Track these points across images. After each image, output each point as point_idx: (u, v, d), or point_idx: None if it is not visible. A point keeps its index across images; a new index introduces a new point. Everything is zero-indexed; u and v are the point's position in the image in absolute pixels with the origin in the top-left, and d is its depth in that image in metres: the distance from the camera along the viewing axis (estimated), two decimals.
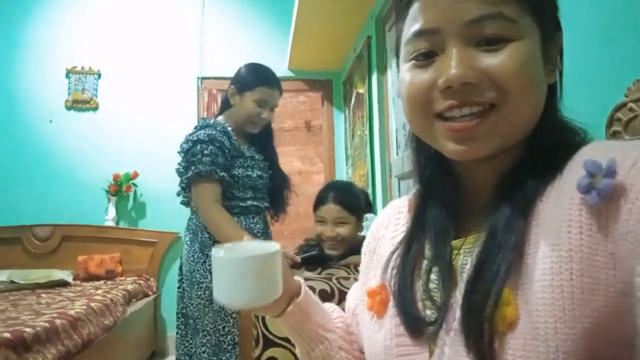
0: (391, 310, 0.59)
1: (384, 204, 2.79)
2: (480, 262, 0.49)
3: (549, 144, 0.52)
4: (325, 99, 4.21)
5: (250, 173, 1.82)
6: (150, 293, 3.53)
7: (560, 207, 0.45)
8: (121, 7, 4.00)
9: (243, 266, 0.56)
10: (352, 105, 3.66)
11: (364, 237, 1.70)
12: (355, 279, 1.24)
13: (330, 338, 0.70)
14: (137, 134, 3.88)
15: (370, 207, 1.69)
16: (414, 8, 0.53)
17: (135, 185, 3.82)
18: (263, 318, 1.15)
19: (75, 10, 3.96)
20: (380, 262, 0.66)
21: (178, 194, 1.88)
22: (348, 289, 1.19)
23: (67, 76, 3.89)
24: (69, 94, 3.87)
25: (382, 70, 2.92)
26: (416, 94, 0.53)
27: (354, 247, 1.66)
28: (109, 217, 3.75)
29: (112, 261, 3.61)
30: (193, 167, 1.71)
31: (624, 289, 0.40)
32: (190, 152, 1.73)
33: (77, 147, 3.84)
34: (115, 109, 3.91)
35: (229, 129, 1.80)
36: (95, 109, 3.91)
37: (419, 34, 0.52)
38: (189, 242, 1.83)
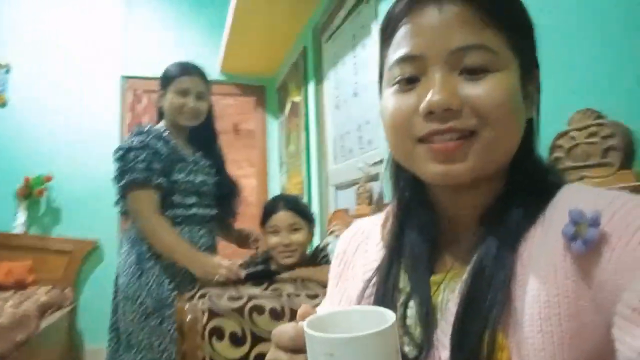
0: None
1: (321, 212, 2.81)
2: (469, 301, 0.49)
3: (529, 180, 0.53)
4: (258, 104, 4.17)
5: (192, 178, 1.75)
6: (66, 304, 3.27)
7: (545, 251, 0.46)
8: None
9: (360, 347, 0.40)
10: (286, 112, 3.67)
11: (314, 251, 1.69)
12: (307, 295, 1.23)
13: None
14: (51, 134, 3.57)
15: (314, 221, 1.69)
16: (400, 34, 0.54)
17: (48, 189, 3.52)
18: (210, 339, 1.10)
19: None
20: (348, 289, 0.64)
21: (115, 204, 1.78)
22: (299, 306, 1.18)
23: None
24: None
25: (319, 81, 2.96)
26: (399, 119, 0.53)
27: (305, 260, 1.65)
28: (19, 222, 3.42)
29: (23, 270, 3.30)
30: (127, 175, 1.63)
31: (608, 331, 0.41)
32: (123, 160, 1.66)
33: None
34: (27, 106, 3.57)
35: (166, 133, 1.74)
36: (3, 105, 3.55)
37: (403, 60, 0.53)
38: (125, 254, 1.73)
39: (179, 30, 3.97)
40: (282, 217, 1.58)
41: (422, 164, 0.53)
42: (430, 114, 0.50)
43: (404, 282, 0.57)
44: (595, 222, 0.43)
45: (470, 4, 0.50)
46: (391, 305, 0.56)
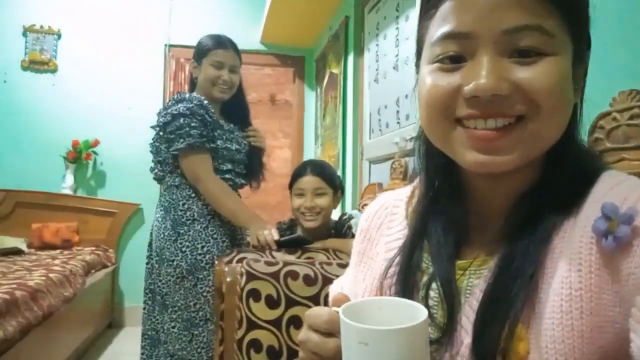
0: None
1: (354, 186, 2.83)
2: (495, 291, 0.48)
3: (568, 168, 0.51)
4: (297, 76, 4.17)
5: (229, 145, 1.82)
6: (108, 264, 3.45)
7: (570, 244, 0.45)
8: None
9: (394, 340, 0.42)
10: (324, 84, 3.65)
11: (338, 221, 1.73)
12: (338, 265, 1.27)
13: None
14: (98, 100, 3.71)
15: (343, 189, 1.74)
16: (446, 7, 0.49)
17: (95, 153, 3.68)
18: (247, 300, 1.16)
19: None
20: (372, 267, 0.64)
21: (152, 169, 1.85)
22: (330, 274, 1.22)
23: (24, 35, 3.65)
24: (25, 54, 3.63)
25: (359, 53, 2.92)
26: (438, 97, 0.50)
27: (330, 228, 1.69)
28: (67, 184, 3.60)
29: (69, 230, 3.49)
30: (182, 140, 1.69)
31: (627, 323, 0.41)
32: (173, 125, 1.71)
33: (34, 110, 3.63)
34: (75, 72, 3.71)
35: (205, 101, 1.78)
36: (54, 71, 3.70)
37: (449, 36, 0.49)
38: (159, 219, 1.80)
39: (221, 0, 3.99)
40: (308, 180, 1.63)
41: (461, 150, 0.51)
42: (474, 97, 0.47)
43: (426, 263, 0.57)
44: (628, 220, 0.41)
45: None
46: (413, 286, 0.56)
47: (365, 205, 1.94)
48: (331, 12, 3.32)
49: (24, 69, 3.65)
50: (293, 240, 1.56)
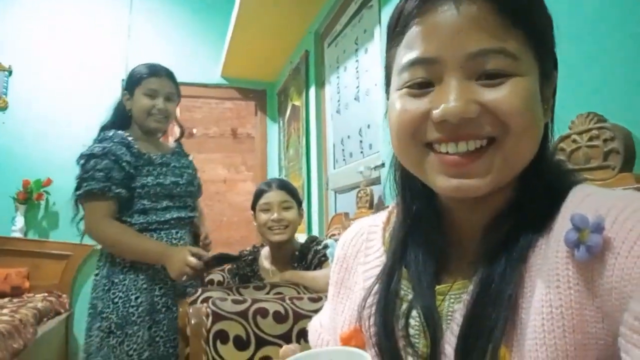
0: None
1: (320, 216, 2.81)
2: (473, 315, 0.47)
3: (543, 186, 0.50)
4: (258, 109, 4.18)
5: (162, 180, 1.67)
6: (62, 311, 3.23)
7: (547, 259, 0.45)
8: None
9: None
10: (287, 116, 3.67)
11: (304, 243, 1.73)
12: (310, 299, 1.23)
13: None
14: (51, 137, 3.57)
15: (302, 204, 1.78)
16: (411, 34, 0.50)
17: (47, 193, 3.50)
18: (214, 343, 1.09)
19: None
20: (350, 297, 0.62)
21: (72, 220, 1.69)
22: (302, 309, 1.17)
23: None
24: None
25: (320, 85, 2.96)
26: (407, 122, 0.50)
27: (295, 249, 1.66)
28: (17, 227, 3.40)
29: (19, 276, 3.27)
30: (85, 184, 1.56)
31: (613, 340, 0.40)
32: (83, 168, 1.60)
33: None
34: (27, 109, 3.56)
35: (130, 138, 1.65)
36: (4, 109, 3.54)
37: (415, 62, 0.49)
38: (98, 267, 1.67)
39: (181, 34, 3.98)
40: (274, 194, 1.65)
41: (432, 175, 0.51)
42: (443, 121, 0.48)
43: (405, 291, 0.56)
44: (597, 228, 0.41)
45: (491, 4, 0.46)
46: (393, 315, 0.55)
47: (333, 235, 1.92)
48: (291, 46, 3.37)
49: None
50: (219, 257, 1.57)
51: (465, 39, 0.46)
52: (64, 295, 3.36)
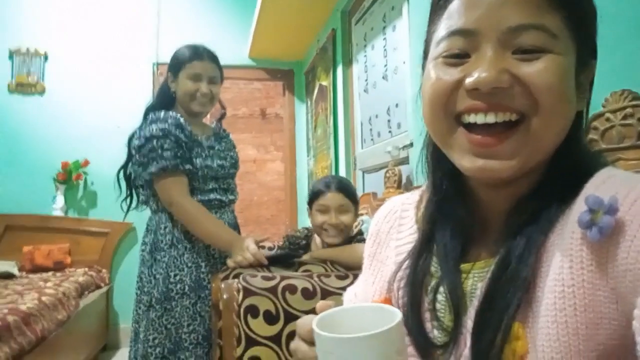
0: None
1: None
2: (491, 293, 0.48)
3: (570, 171, 0.50)
4: (286, 89, 4.19)
5: (209, 163, 1.72)
6: (102, 285, 3.40)
7: (562, 240, 0.45)
8: None
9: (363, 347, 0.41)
10: (314, 96, 3.66)
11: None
12: (337, 276, 1.26)
13: None
14: (87, 120, 3.69)
15: (358, 203, 1.72)
16: (453, 6, 0.51)
17: (85, 173, 3.64)
18: (245, 317, 1.14)
19: None
20: (382, 270, 0.64)
21: (130, 193, 1.79)
22: (329, 286, 1.20)
23: (10, 58, 3.63)
24: (12, 77, 3.62)
25: (348, 64, 2.94)
26: (440, 91, 0.51)
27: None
28: (57, 206, 3.57)
29: (61, 252, 3.45)
30: (155, 163, 1.60)
31: (627, 322, 0.40)
32: (146, 148, 1.63)
33: (22, 133, 3.61)
34: (63, 93, 3.69)
35: (181, 119, 1.70)
36: (42, 93, 3.68)
37: (454, 33, 0.50)
38: (143, 243, 1.74)
39: (209, 16, 4.00)
40: (333, 197, 1.57)
41: (459, 153, 0.52)
42: (475, 90, 0.48)
43: (435, 267, 0.57)
44: (611, 209, 0.41)
45: None
46: (421, 290, 0.57)
47: (361, 215, 1.93)
48: (318, 25, 3.34)
49: (11, 91, 3.63)
50: (282, 256, 1.54)
51: (505, 13, 0.47)
52: (104, 270, 3.52)
